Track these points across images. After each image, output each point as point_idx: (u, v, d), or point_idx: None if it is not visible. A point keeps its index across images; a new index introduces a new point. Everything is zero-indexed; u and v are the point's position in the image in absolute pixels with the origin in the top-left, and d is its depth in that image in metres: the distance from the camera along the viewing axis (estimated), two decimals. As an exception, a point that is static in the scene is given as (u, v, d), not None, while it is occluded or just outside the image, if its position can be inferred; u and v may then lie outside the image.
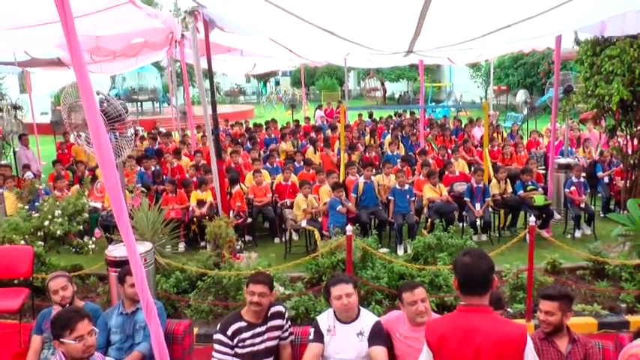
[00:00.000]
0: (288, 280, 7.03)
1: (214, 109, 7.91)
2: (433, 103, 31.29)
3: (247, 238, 9.57)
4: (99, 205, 9.55)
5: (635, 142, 9.06)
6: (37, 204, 7.94)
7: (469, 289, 2.81)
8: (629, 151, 9.20)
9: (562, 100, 10.47)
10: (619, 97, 8.00)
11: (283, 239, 9.28)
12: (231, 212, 8.89)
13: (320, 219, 8.95)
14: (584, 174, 9.98)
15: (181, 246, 8.96)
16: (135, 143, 14.32)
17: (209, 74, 7.89)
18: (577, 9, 5.70)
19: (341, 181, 9.81)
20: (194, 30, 7.70)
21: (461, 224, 9.65)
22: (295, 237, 9.49)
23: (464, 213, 9.50)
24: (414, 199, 9.27)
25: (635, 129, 8.95)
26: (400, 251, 8.75)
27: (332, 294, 3.98)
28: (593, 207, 10.12)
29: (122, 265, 4.96)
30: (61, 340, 3.31)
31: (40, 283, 6.64)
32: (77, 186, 10.03)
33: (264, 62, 16.94)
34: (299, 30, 6.62)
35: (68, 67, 12.02)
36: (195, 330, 6.22)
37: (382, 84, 42.67)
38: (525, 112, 21.90)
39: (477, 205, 9.24)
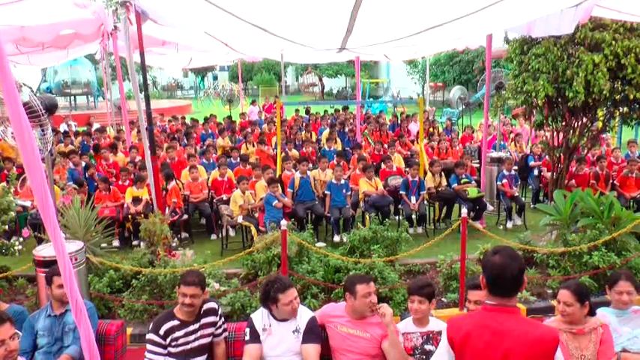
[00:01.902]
0: (224, 277, 6.97)
1: (148, 104, 7.72)
2: (371, 99, 31.68)
3: (183, 234, 9.44)
4: (28, 203, 9.20)
5: (561, 136, 9.44)
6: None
7: (498, 290, 2.72)
8: (555, 145, 9.58)
9: (494, 96, 10.81)
10: (544, 93, 8.31)
11: (220, 235, 9.20)
12: (167, 209, 8.74)
13: (256, 215, 8.92)
14: (515, 167, 10.34)
15: (115, 243, 8.73)
16: (70, 139, 13.93)
17: (142, 68, 7.65)
18: (505, 10, 5.88)
19: (277, 176, 9.81)
20: (126, 22, 7.51)
21: (397, 217, 9.82)
22: (232, 233, 9.43)
23: (400, 206, 9.67)
24: (350, 193, 9.37)
25: (560, 124, 9.33)
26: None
27: (281, 301, 3.93)
28: (524, 198, 10.50)
29: (51, 265, 4.79)
30: (-20, 346, 3.16)
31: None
32: (3, 183, 9.61)
33: (200, 57, 16.67)
34: (232, 25, 6.53)
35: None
36: (130, 330, 6.08)
37: (320, 80, 42.87)
38: (460, 108, 22.50)
39: (413, 199, 9.42)
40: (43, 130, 4.89)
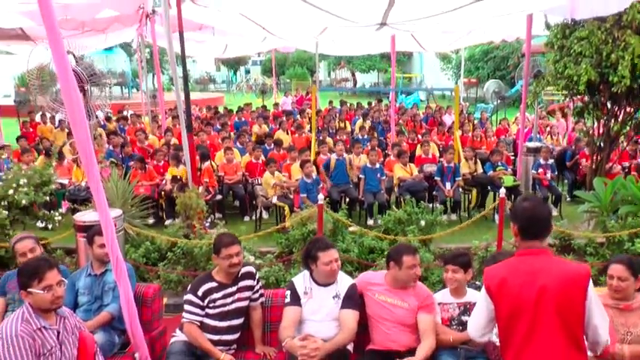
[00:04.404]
0: (259, 253, 6.98)
1: (186, 83, 7.58)
2: (403, 95, 31.50)
3: (217, 215, 9.46)
4: (65, 181, 9.37)
5: (601, 125, 9.22)
6: (0, 174, 7.75)
7: (531, 234, 2.83)
8: (596, 134, 9.36)
9: (532, 84, 10.60)
10: (587, 78, 8.10)
11: (255, 217, 9.20)
12: (200, 188, 8.78)
13: (291, 196, 8.90)
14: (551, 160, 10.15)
15: (150, 221, 8.78)
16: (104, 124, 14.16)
17: (181, 49, 7.55)
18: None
19: (312, 160, 9.79)
20: (165, 3, 7.54)
21: (431, 205, 9.70)
22: (265, 215, 9.44)
23: (434, 193, 9.56)
24: (384, 177, 9.30)
25: (601, 112, 9.10)
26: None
27: (321, 259, 3.92)
28: (560, 190, 10.31)
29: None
30: (29, 290, 3.16)
31: (5, 252, 6.46)
32: (42, 157, 9.78)
33: (235, 44, 16.78)
34: (270, 1, 6.53)
35: (34, 42, 11.72)
36: (164, 300, 6.13)
37: (353, 75, 42.73)
38: (495, 102, 22.16)
39: (448, 185, 9.30)
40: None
